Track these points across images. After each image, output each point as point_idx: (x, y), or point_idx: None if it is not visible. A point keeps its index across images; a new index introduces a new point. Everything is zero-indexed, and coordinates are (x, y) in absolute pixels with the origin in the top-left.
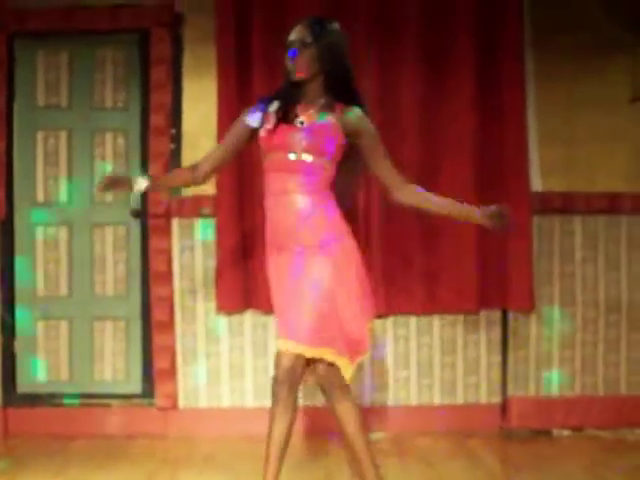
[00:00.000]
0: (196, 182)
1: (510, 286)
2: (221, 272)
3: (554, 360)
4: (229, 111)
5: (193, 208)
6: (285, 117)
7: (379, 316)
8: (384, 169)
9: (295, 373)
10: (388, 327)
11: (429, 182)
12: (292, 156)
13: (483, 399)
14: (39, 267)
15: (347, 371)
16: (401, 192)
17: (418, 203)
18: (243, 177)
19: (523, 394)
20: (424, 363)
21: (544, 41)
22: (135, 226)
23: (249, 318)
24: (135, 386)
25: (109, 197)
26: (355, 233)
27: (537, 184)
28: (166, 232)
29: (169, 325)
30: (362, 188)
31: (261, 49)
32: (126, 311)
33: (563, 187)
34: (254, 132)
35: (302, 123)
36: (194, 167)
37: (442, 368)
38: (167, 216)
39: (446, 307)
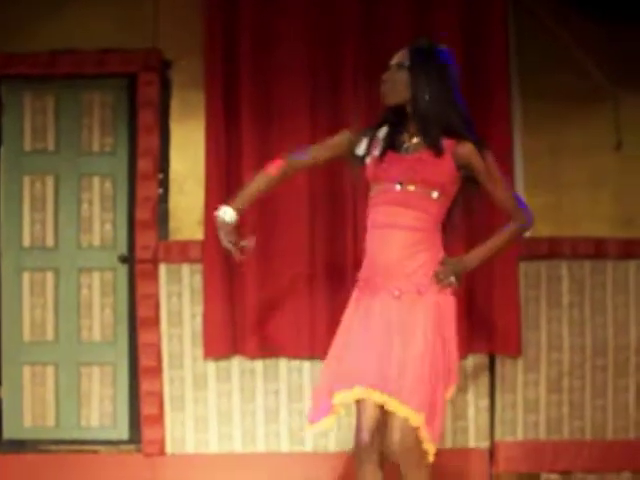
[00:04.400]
0: (289, 172)
1: (498, 331)
2: (208, 318)
3: (541, 405)
4: (217, 155)
5: (180, 253)
6: (392, 144)
7: None
8: (499, 201)
9: (379, 426)
10: None
11: None
12: (398, 187)
13: (471, 443)
14: (25, 312)
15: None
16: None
17: None
18: None
19: (511, 439)
20: None
21: (530, 86)
22: (122, 271)
23: (236, 364)
24: (122, 432)
25: (96, 241)
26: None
27: None
28: (153, 277)
29: (156, 371)
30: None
31: (249, 93)
32: (113, 357)
33: (549, 232)
34: (353, 156)
35: (407, 150)
36: (285, 161)
37: None
38: (154, 261)
39: None
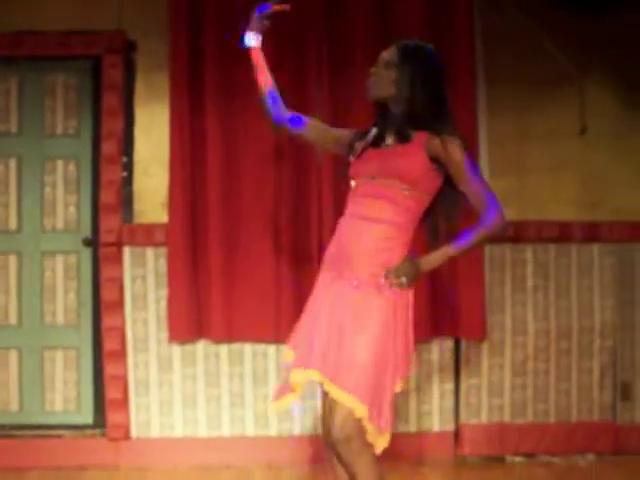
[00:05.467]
0: (273, 118)
1: (462, 315)
2: (173, 301)
3: (506, 387)
4: (181, 139)
5: (145, 236)
6: (375, 142)
7: None
8: (468, 195)
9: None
10: None
11: None
12: (372, 180)
13: (436, 427)
14: None
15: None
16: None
17: None
18: (195, 206)
19: (476, 421)
20: None
21: (495, 72)
22: (86, 254)
23: (201, 347)
24: (86, 416)
25: (60, 225)
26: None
27: None
28: (117, 261)
29: (121, 355)
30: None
31: (214, 77)
32: (77, 340)
33: (514, 216)
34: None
35: (388, 146)
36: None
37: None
38: (118, 244)
39: None
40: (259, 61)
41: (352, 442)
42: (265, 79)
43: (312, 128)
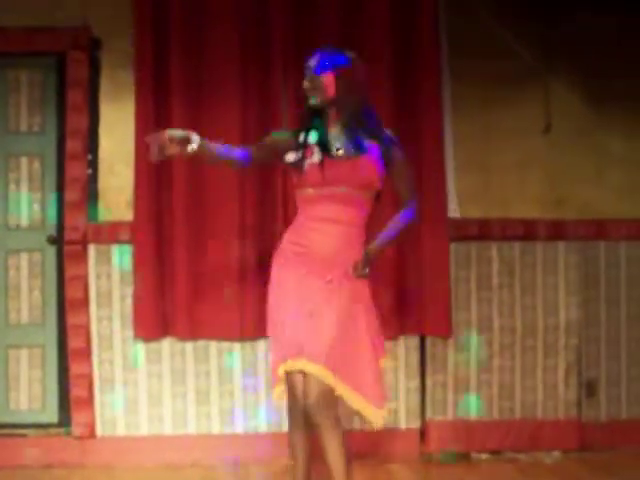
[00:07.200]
0: (244, 166)
1: (428, 312)
2: (138, 299)
3: (472, 385)
4: (146, 136)
5: (110, 234)
6: (326, 149)
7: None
8: (401, 189)
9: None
10: None
11: None
12: (344, 189)
13: (402, 424)
14: None
15: (376, 418)
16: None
17: None
18: (160, 203)
19: (442, 418)
20: None
21: (461, 69)
22: (51, 252)
23: (167, 345)
24: (52, 415)
25: (24, 223)
26: None
27: (454, 211)
28: (82, 258)
29: (86, 353)
30: None
31: (179, 74)
32: (42, 339)
33: (479, 214)
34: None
35: (339, 150)
36: (249, 151)
37: None
38: (83, 242)
39: None
40: (217, 150)
41: (328, 411)
42: (230, 154)
43: (257, 151)
